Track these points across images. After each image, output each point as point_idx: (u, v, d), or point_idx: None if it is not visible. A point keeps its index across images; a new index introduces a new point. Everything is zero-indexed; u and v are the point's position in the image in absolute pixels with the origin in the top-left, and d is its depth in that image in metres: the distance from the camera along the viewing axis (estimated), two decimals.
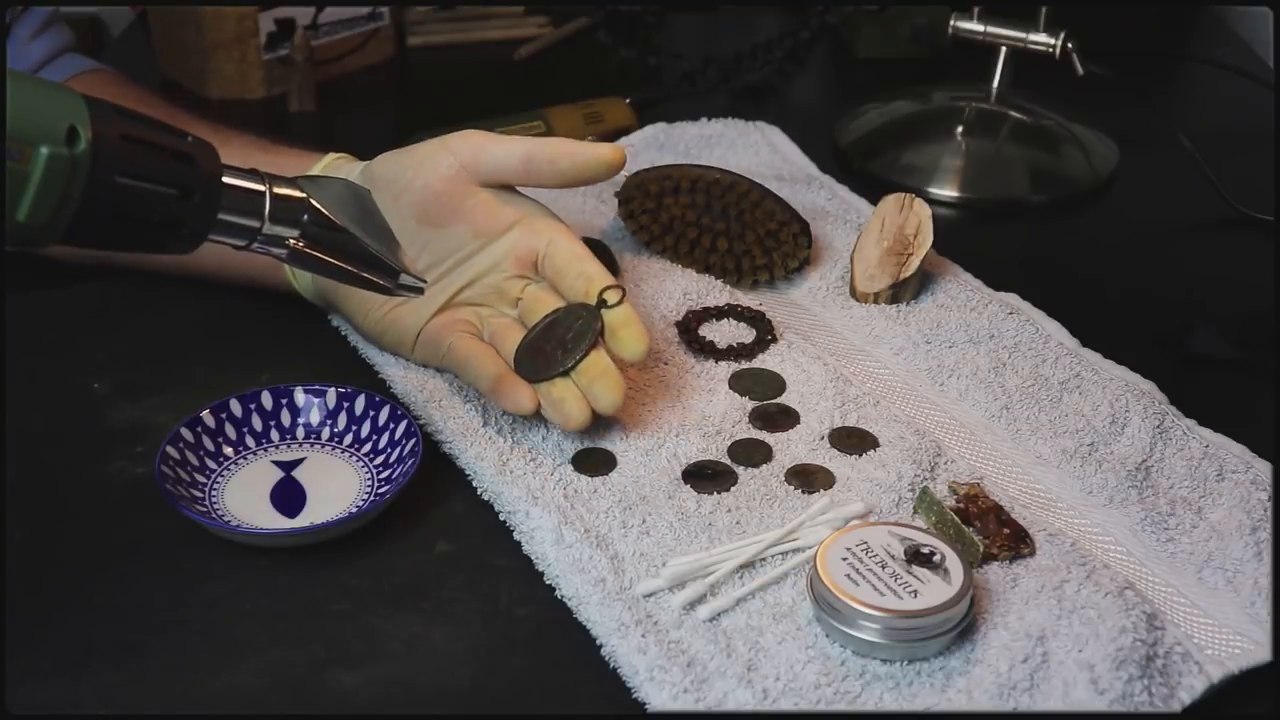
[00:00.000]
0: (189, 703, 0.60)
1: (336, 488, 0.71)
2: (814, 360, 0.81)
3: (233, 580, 0.66)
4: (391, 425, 0.73)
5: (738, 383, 0.80)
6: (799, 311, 0.88)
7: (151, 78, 1.21)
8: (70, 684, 0.60)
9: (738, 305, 0.86)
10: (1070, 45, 1.06)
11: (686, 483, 0.71)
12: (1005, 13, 1.10)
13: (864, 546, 0.64)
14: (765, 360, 0.82)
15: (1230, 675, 0.62)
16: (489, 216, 0.77)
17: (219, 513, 0.69)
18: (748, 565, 0.66)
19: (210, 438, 0.72)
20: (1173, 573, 0.68)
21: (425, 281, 0.68)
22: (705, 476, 0.72)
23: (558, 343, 0.74)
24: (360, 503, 0.70)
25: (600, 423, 0.73)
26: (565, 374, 0.73)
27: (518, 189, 0.79)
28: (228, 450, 0.73)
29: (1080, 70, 1.06)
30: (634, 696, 0.60)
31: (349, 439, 0.74)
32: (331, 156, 0.83)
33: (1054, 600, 0.63)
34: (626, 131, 1.10)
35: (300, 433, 0.74)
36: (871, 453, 0.74)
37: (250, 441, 0.74)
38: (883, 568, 0.62)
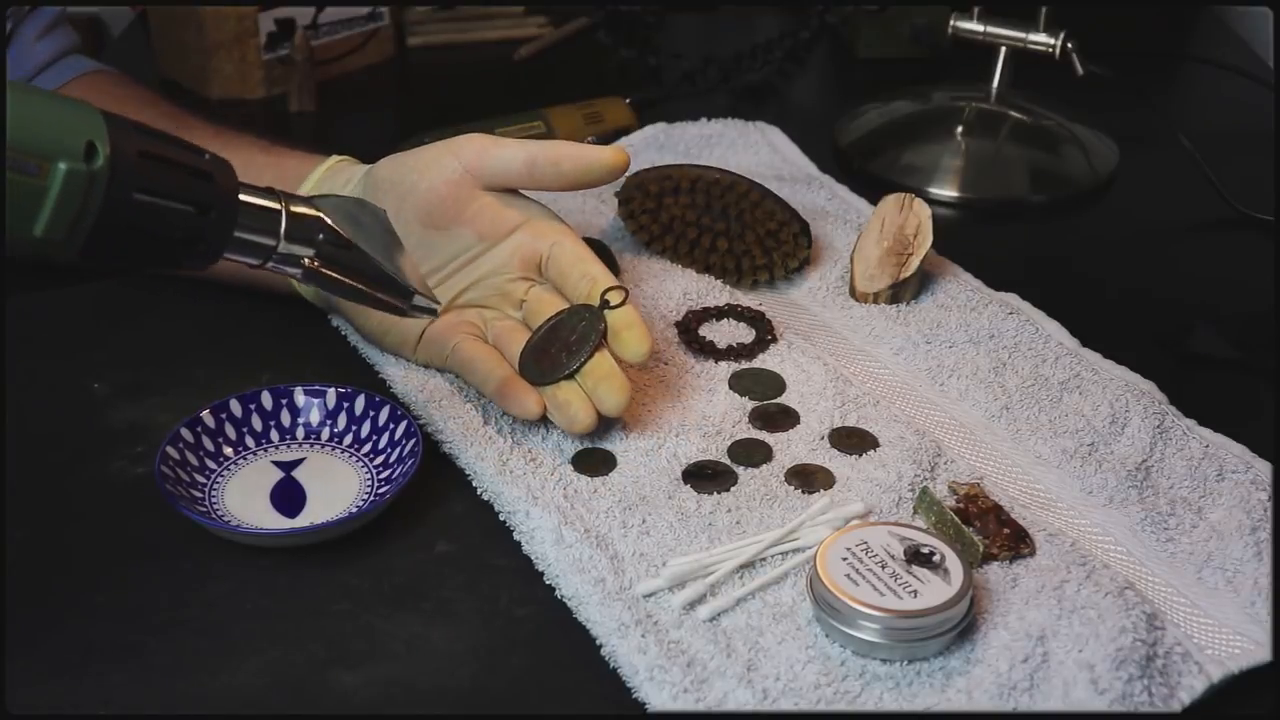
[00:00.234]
0: (189, 703, 0.60)
1: (336, 488, 0.71)
2: (814, 360, 0.81)
3: (233, 580, 0.66)
4: (391, 425, 0.73)
5: (738, 383, 0.80)
6: (799, 311, 0.88)
7: (151, 78, 1.21)
8: (70, 684, 0.60)
9: (738, 305, 0.86)
10: (1070, 45, 1.06)
11: (686, 483, 0.71)
12: (1005, 13, 1.10)
13: (864, 546, 0.64)
14: (765, 360, 0.82)
15: (1230, 675, 0.62)
16: (493, 219, 0.77)
17: (219, 513, 0.69)
18: (748, 565, 0.66)
19: (210, 438, 0.72)
20: (1173, 573, 0.68)
21: (439, 303, 0.69)
22: (705, 476, 0.72)
23: (562, 345, 0.74)
24: (360, 503, 0.70)
25: (601, 423, 0.73)
26: (570, 377, 0.73)
27: (520, 191, 0.79)
28: (228, 450, 0.73)
29: (1080, 70, 1.06)
30: (634, 696, 0.60)
31: (349, 439, 0.74)
32: (334, 159, 0.83)
33: (1054, 600, 0.63)
34: (626, 131, 1.10)
35: (300, 433, 0.74)
36: (871, 453, 0.74)
37: (250, 442, 0.74)
38: (883, 568, 0.62)
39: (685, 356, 0.82)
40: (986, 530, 0.67)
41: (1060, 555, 0.66)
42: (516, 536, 0.68)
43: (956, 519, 0.67)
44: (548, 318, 0.76)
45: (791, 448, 0.75)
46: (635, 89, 1.17)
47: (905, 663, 0.61)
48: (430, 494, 0.71)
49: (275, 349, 0.82)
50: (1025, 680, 0.59)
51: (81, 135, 0.54)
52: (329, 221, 0.63)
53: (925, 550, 0.63)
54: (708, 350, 0.82)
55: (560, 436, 0.74)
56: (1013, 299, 0.88)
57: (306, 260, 0.63)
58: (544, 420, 0.74)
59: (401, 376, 0.79)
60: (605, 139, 1.07)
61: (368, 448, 0.74)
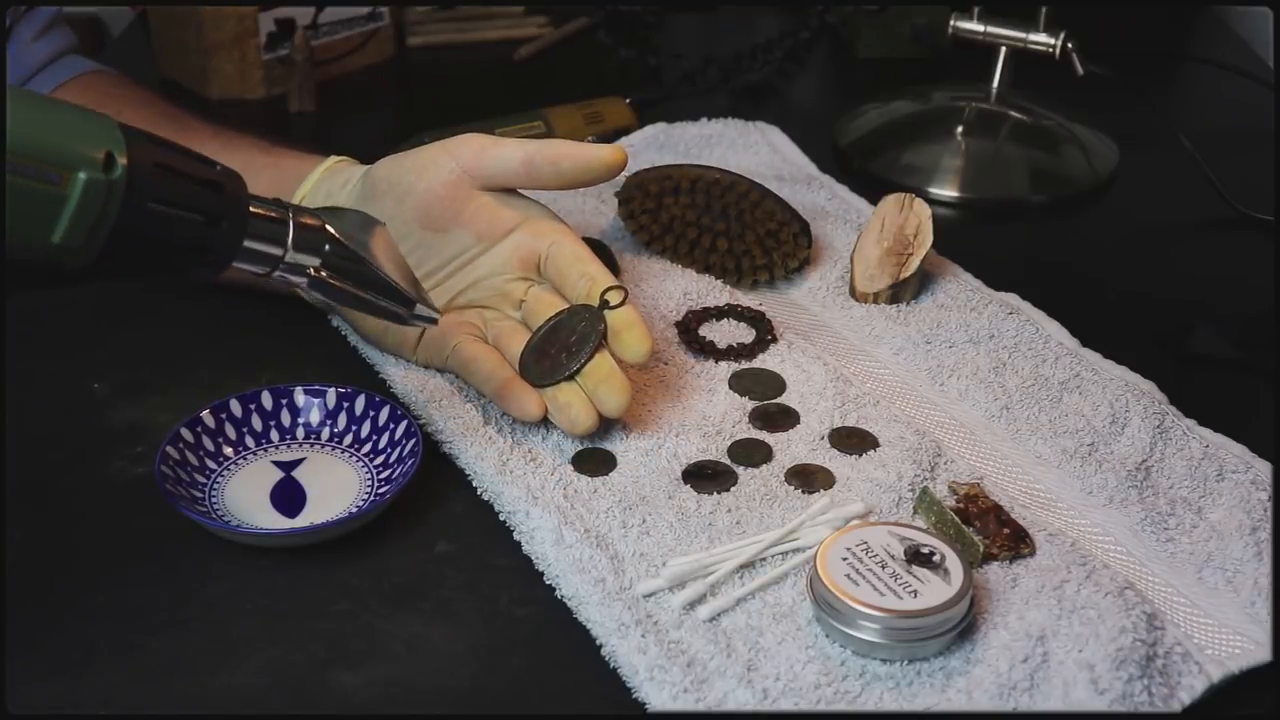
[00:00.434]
0: (189, 703, 0.60)
1: (336, 488, 0.71)
2: (814, 360, 0.81)
3: (233, 580, 0.66)
4: (391, 425, 0.73)
5: (738, 383, 0.80)
6: (799, 311, 0.88)
7: (151, 78, 1.21)
8: (70, 684, 0.60)
9: (738, 305, 0.86)
10: (1070, 45, 1.06)
11: (686, 483, 0.71)
12: (1005, 13, 1.10)
13: (864, 546, 0.64)
14: (765, 360, 0.82)
15: (1230, 675, 0.62)
16: (491, 220, 0.77)
17: (219, 513, 0.69)
18: (748, 565, 0.66)
19: (210, 438, 0.72)
20: (1173, 573, 0.68)
21: (439, 313, 0.69)
22: (705, 476, 0.72)
23: (561, 346, 0.74)
24: (360, 503, 0.70)
25: (601, 423, 0.73)
26: (570, 378, 0.73)
27: (519, 191, 0.79)
28: (228, 450, 0.73)
29: (1080, 70, 1.06)
30: (634, 696, 0.60)
31: (349, 439, 0.74)
32: (333, 159, 0.83)
33: (1054, 600, 0.63)
34: (626, 131, 1.10)
35: (300, 433, 0.75)
36: (871, 453, 0.74)
37: (250, 441, 0.74)
38: (883, 568, 0.62)
39: (685, 356, 0.82)
40: (986, 530, 0.67)
41: (1060, 555, 0.66)
42: (516, 536, 0.68)
43: (956, 519, 0.67)
44: (547, 318, 0.76)
45: (791, 448, 0.75)
46: (635, 89, 1.17)
47: (905, 663, 0.61)
48: (430, 494, 0.71)
49: (275, 349, 0.82)
50: (1025, 680, 0.59)
51: (101, 146, 0.56)
52: (334, 232, 0.65)
53: (925, 550, 0.63)
54: (708, 350, 0.82)
55: (560, 436, 0.74)
56: (1013, 299, 0.88)
57: (312, 270, 0.65)
58: (544, 420, 0.74)
59: (401, 376, 0.79)
60: (605, 139, 1.07)
61: (368, 448, 0.74)
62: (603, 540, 0.67)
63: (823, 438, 0.75)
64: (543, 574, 0.66)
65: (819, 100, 1.31)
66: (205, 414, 0.73)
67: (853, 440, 0.75)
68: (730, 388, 0.79)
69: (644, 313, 0.82)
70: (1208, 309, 0.92)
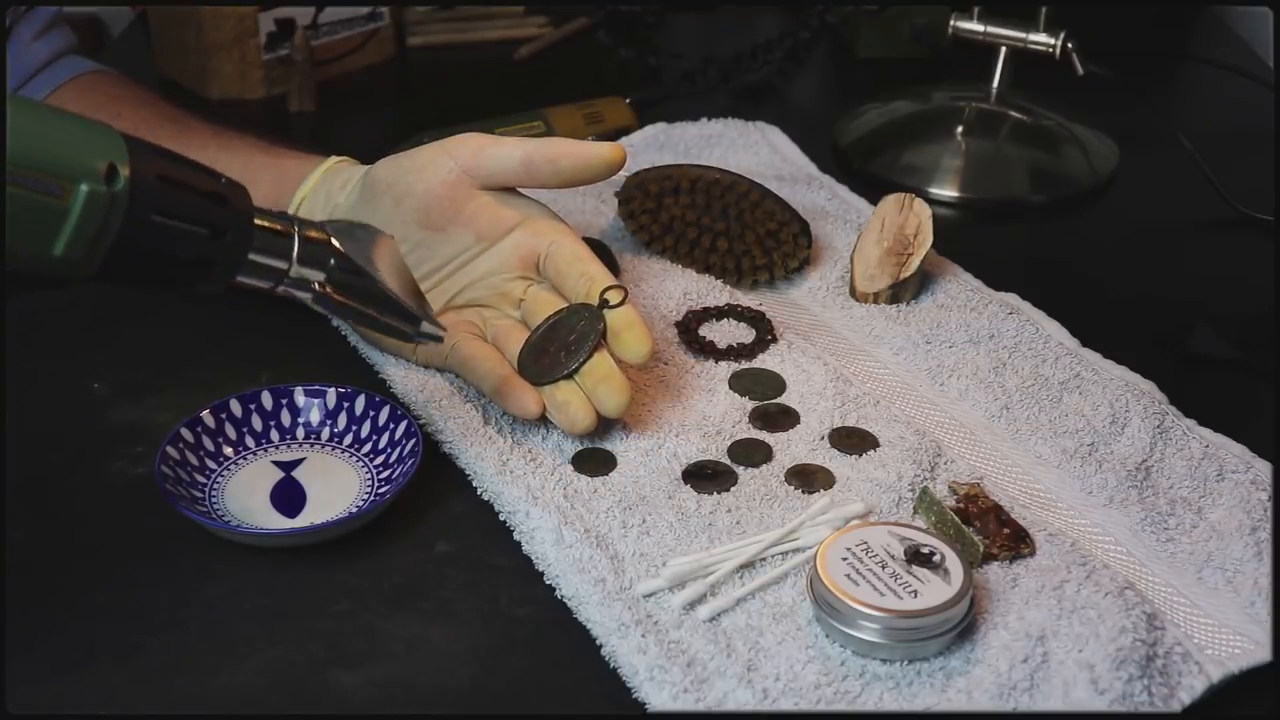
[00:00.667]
0: (189, 703, 0.60)
1: (336, 488, 0.71)
2: (814, 360, 0.81)
3: (233, 580, 0.66)
4: (391, 425, 0.73)
5: (738, 383, 0.80)
6: (799, 311, 0.88)
7: (151, 78, 1.21)
8: (70, 684, 0.60)
9: (738, 305, 0.86)
10: (1070, 45, 1.06)
11: (686, 483, 0.71)
12: (1005, 13, 1.10)
13: (864, 546, 0.64)
14: (765, 360, 0.82)
15: (1230, 675, 0.62)
16: (490, 219, 0.77)
17: (219, 513, 0.69)
18: (748, 565, 0.66)
19: (210, 438, 0.72)
20: (1173, 573, 0.68)
21: (444, 329, 0.69)
22: (705, 476, 0.72)
23: (561, 344, 0.74)
24: (360, 503, 0.70)
25: (600, 423, 0.73)
26: (569, 376, 0.73)
27: (519, 190, 0.79)
28: (228, 450, 0.73)
29: (1080, 70, 1.06)
30: (634, 696, 0.60)
31: (349, 439, 0.74)
32: (332, 159, 0.83)
33: (1054, 600, 0.63)
34: (626, 131, 1.10)
35: (300, 433, 0.74)
36: (871, 453, 0.74)
37: (250, 441, 0.74)
38: (883, 568, 0.62)
39: (685, 356, 0.82)
40: (986, 530, 0.67)
41: (1060, 555, 0.66)
42: (516, 536, 0.68)
43: (956, 519, 0.67)
44: (547, 317, 0.76)
45: (791, 448, 0.75)
46: (635, 89, 1.17)
47: (905, 663, 0.61)
48: (430, 494, 0.71)
49: (275, 349, 0.82)
50: (1025, 680, 0.59)
51: (103, 157, 0.55)
52: (339, 247, 0.64)
53: (925, 550, 0.63)
54: (708, 350, 0.82)
55: (560, 436, 0.74)
56: (1013, 299, 0.88)
57: (317, 285, 0.64)
58: (544, 420, 0.74)
59: (401, 376, 0.79)
60: (605, 139, 1.06)
61: (368, 448, 0.74)
62: (603, 540, 0.67)
63: (823, 438, 0.75)
64: (543, 574, 0.66)
65: (819, 100, 1.31)
66: (205, 414, 0.73)
67: (853, 440, 0.75)
68: (730, 388, 0.79)
69: (644, 313, 0.82)
70: (1208, 309, 0.92)
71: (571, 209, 0.95)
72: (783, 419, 0.77)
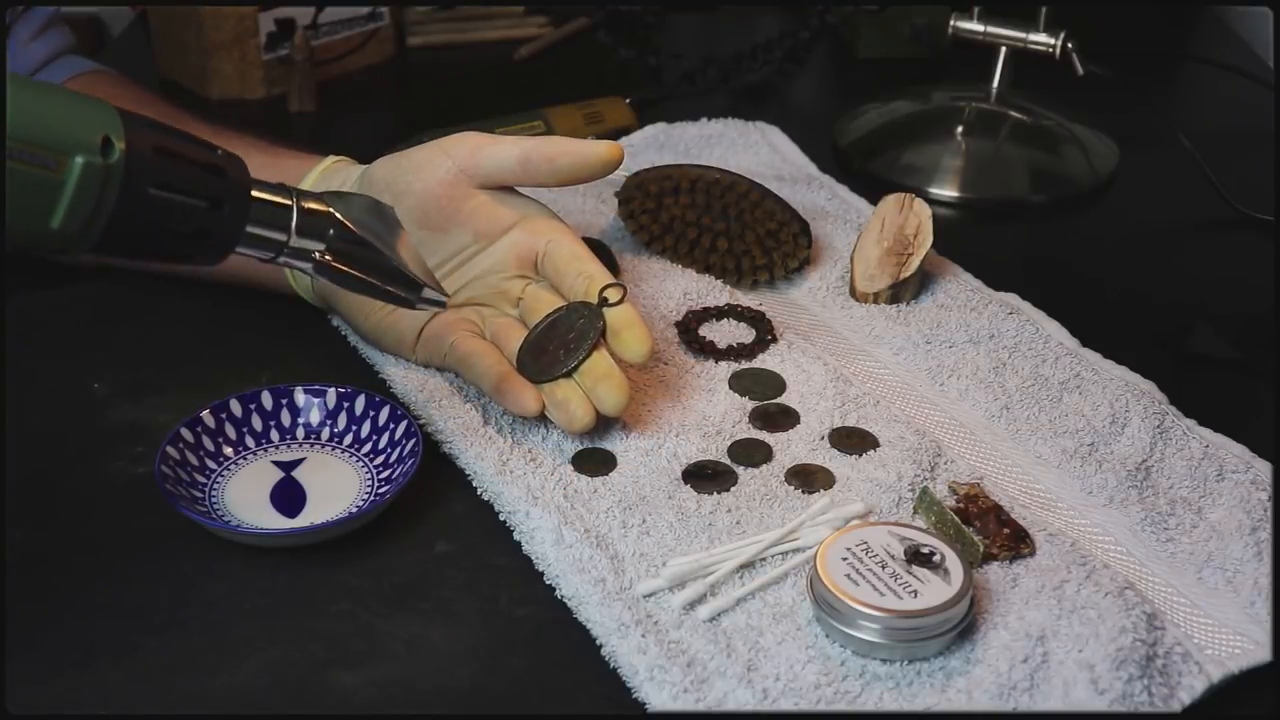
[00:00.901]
0: (189, 703, 0.60)
1: (336, 488, 0.71)
2: (814, 360, 0.81)
3: (233, 580, 0.66)
4: (391, 425, 0.73)
5: (738, 383, 0.80)
6: (799, 311, 0.88)
7: (151, 78, 1.21)
8: (70, 684, 0.60)
9: (738, 305, 0.86)
10: (1070, 45, 1.06)
11: (686, 483, 0.71)
12: (1005, 13, 1.10)
13: (864, 546, 0.64)
14: (765, 360, 0.82)
15: (1230, 675, 0.62)
16: (488, 218, 0.77)
17: (219, 513, 0.69)
18: (748, 565, 0.66)
19: (210, 438, 0.72)
20: (1173, 573, 0.68)
21: (447, 295, 0.69)
22: (705, 476, 0.72)
23: (560, 342, 0.74)
24: (360, 503, 0.70)
25: (600, 422, 0.73)
26: (568, 375, 0.73)
27: (517, 189, 0.79)
28: (228, 450, 0.73)
29: (1080, 70, 1.06)
30: (634, 696, 0.60)
31: (349, 439, 0.74)
32: (331, 159, 0.83)
33: (1054, 600, 0.63)
34: (626, 131, 1.10)
35: (300, 433, 0.74)
36: (871, 453, 0.74)
37: (250, 441, 0.74)
38: (883, 568, 0.62)
39: (685, 356, 0.82)
40: (986, 530, 0.67)
41: (1060, 555, 0.66)
42: (516, 536, 0.68)
43: (956, 519, 0.67)
44: (546, 315, 0.76)
45: (791, 448, 0.75)
46: (635, 89, 1.17)
47: (905, 663, 0.61)
48: (430, 494, 0.71)
49: (275, 349, 0.82)
50: (1025, 680, 0.59)
51: (97, 130, 0.55)
52: (339, 217, 0.64)
53: (925, 550, 0.63)
54: (708, 350, 0.82)
55: (560, 436, 0.74)
56: (1013, 299, 0.88)
57: (317, 254, 0.64)
58: (544, 420, 0.74)
59: (401, 376, 0.79)
60: (605, 139, 1.06)
61: (368, 448, 0.74)
62: (603, 540, 0.67)
63: (823, 438, 0.75)
64: (543, 574, 0.66)
65: (819, 100, 1.31)
66: (205, 414, 0.73)
67: (853, 440, 0.75)
68: (730, 388, 0.79)
69: (644, 313, 0.82)
70: (1208, 309, 0.92)
71: (571, 209, 0.95)
72: (783, 419, 0.77)
